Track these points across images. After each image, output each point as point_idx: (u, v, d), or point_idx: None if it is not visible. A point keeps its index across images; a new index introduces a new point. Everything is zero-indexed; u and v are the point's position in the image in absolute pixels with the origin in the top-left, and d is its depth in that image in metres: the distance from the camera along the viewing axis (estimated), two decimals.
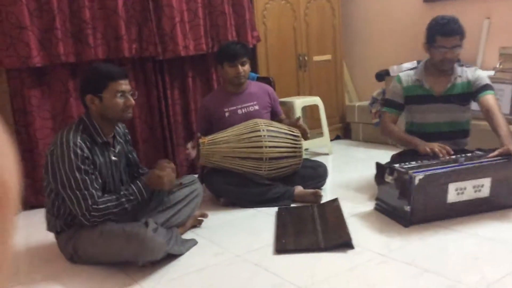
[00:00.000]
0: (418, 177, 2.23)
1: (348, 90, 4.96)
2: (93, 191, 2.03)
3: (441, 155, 2.50)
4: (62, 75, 3.18)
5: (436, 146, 2.56)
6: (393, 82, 2.93)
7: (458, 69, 2.77)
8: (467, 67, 2.82)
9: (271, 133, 2.86)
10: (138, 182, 2.14)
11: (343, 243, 2.15)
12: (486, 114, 2.61)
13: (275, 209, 2.71)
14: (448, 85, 2.76)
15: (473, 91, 2.73)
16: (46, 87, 3.16)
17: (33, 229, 2.70)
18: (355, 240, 2.17)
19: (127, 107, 2.14)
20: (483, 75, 2.76)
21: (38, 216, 2.97)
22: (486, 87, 2.69)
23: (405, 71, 2.96)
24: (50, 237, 2.40)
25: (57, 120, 3.19)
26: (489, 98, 2.65)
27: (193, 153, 2.85)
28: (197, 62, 3.71)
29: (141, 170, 2.47)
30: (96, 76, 2.10)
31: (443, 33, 2.62)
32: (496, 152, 2.42)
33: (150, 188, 2.15)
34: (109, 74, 2.09)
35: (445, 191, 2.31)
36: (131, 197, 2.10)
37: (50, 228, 2.21)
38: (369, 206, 2.66)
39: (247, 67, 3.04)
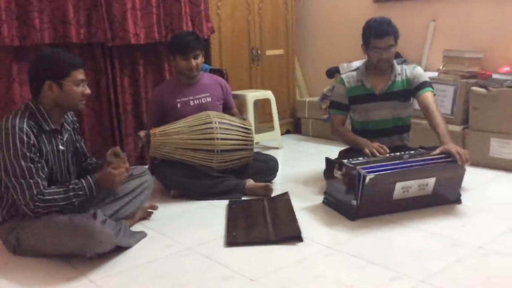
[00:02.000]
0: (369, 176, 2.30)
1: (299, 85, 5.03)
2: (39, 180, 1.96)
3: (377, 154, 2.60)
4: (5, 59, 3.03)
5: (375, 146, 2.65)
6: (337, 85, 3.03)
7: (398, 67, 2.88)
8: (406, 65, 2.94)
9: (223, 125, 2.85)
10: (89, 177, 2.08)
11: (293, 236, 2.19)
12: (425, 111, 2.73)
13: (226, 202, 2.72)
14: (388, 83, 2.86)
15: (411, 88, 2.84)
16: None
17: None
18: (304, 233, 2.21)
19: (83, 96, 2.12)
20: (422, 72, 2.88)
21: None
22: (424, 84, 2.80)
23: (347, 72, 3.05)
24: None
25: None
26: (427, 95, 2.76)
27: (142, 140, 2.79)
28: (149, 50, 3.64)
29: (89, 160, 2.41)
30: (58, 62, 2.04)
31: (376, 35, 2.72)
32: (437, 151, 2.53)
33: (101, 186, 2.10)
34: (72, 62, 2.06)
35: (392, 189, 2.39)
36: (80, 192, 2.04)
37: None
38: (318, 200, 2.72)
39: (200, 60, 3.01)
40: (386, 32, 2.71)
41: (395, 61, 2.90)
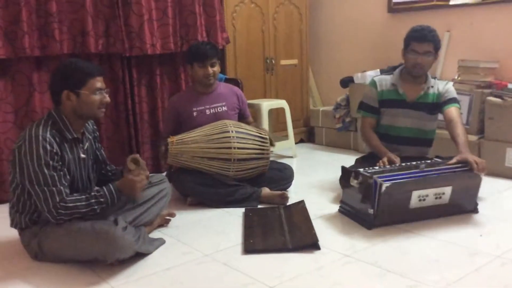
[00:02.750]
0: (385, 184, 2.31)
1: (312, 95, 5.06)
2: (61, 188, 2.00)
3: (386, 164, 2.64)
4: (27, 68, 3.10)
5: (387, 159, 2.70)
6: (368, 87, 3.04)
7: (432, 80, 2.92)
8: (439, 80, 2.97)
9: (239, 135, 2.89)
10: (110, 185, 2.11)
11: (310, 244, 2.21)
12: (449, 123, 2.75)
13: (242, 210, 2.74)
14: (421, 92, 2.88)
15: (440, 102, 2.86)
16: (9, 80, 3.06)
17: None
18: (321, 241, 2.22)
19: (102, 104, 2.14)
20: (453, 89, 2.91)
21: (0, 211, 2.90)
22: (453, 100, 2.85)
23: (379, 75, 3.08)
24: (11, 234, 2.34)
25: (19, 115, 3.11)
26: (453, 110, 2.80)
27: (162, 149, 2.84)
28: (165, 61, 3.70)
29: (109, 168, 2.45)
30: (75, 72, 2.07)
31: (416, 38, 2.77)
32: (454, 160, 2.54)
33: (122, 193, 2.13)
34: (88, 71, 2.08)
35: (408, 198, 2.40)
36: (101, 199, 2.06)
37: (14, 224, 2.15)
38: (333, 208, 2.73)
39: (216, 68, 3.06)
40: (426, 37, 2.76)
41: (429, 74, 2.92)
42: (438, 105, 2.89)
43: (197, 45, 3.10)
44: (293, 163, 3.93)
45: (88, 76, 2.08)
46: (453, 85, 3.58)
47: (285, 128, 4.23)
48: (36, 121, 2.09)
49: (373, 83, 2.99)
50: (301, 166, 3.89)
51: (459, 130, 2.66)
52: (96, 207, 2.05)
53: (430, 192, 2.42)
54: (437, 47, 2.80)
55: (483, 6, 3.79)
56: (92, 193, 2.07)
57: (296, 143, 4.42)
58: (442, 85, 2.91)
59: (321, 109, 4.68)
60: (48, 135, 2.01)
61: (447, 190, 2.45)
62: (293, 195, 3.00)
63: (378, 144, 2.90)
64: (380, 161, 2.70)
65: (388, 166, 2.62)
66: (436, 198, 2.45)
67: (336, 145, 4.50)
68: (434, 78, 2.96)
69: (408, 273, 1.93)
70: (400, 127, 2.93)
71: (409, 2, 4.21)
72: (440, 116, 2.94)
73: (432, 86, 2.90)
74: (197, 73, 3.03)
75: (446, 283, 1.84)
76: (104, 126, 3.44)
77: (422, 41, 2.76)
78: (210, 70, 3.00)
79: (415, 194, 2.40)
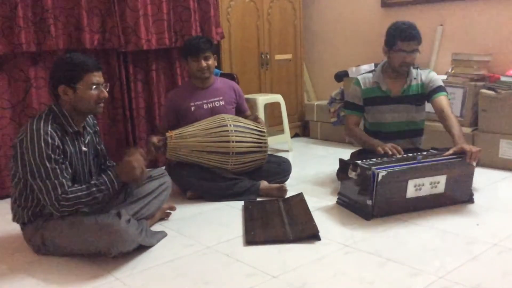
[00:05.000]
0: (381, 173, 2.35)
1: (307, 89, 5.08)
2: (63, 181, 2.00)
3: (390, 153, 2.64)
4: (23, 64, 3.09)
5: (389, 146, 2.70)
6: (352, 85, 3.06)
7: (413, 72, 2.92)
8: (421, 70, 2.98)
9: (237, 128, 2.91)
10: (109, 172, 2.11)
11: (311, 235, 2.24)
12: (440, 115, 2.77)
13: (241, 203, 2.76)
14: (404, 86, 2.91)
15: (426, 93, 2.89)
16: (6, 76, 3.06)
17: None
18: (321, 232, 2.25)
19: (100, 99, 2.12)
20: (437, 77, 2.92)
21: None
22: (439, 89, 2.85)
23: (363, 74, 3.09)
24: (12, 229, 2.35)
25: (16, 110, 3.10)
26: (442, 99, 2.81)
27: (155, 145, 2.84)
28: (161, 56, 3.70)
29: (108, 163, 2.45)
30: (71, 66, 2.05)
31: (404, 37, 2.76)
32: (450, 151, 2.58)
33: (121, 179, 2.12)
34: (84, 66, 2.06)
35: (404, 187, 2.44)
36: (102, 187, 2.06)
37: (16, 219, 2.15)
38: (331, 200, 2.77)
39: (211, 61, 3.07)
40: (414, 36, 2.75)
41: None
42: (423, 95, 2.91)
43: (190, 40, 3.13)
44: (289, 157, 3.92)
45: (84, 71, 2.06)
46: (447, 78, 3.66)
47: (280, 123, 4.26)
48: (37, 115, 2.09)
49: (357, 82, 3.00)
50: (297, 159, 3.92)
51: (452, 121, 2.68)
52: (97, 195, 2.04)
53: (426, 181, 2.46)
54: (420, 42, 2.79)
55: (475, 0, 3.83)
56: (92, 182, 2.07)
57: (291, 137, 4.44)
58: (425, 75, 2.92)
59: (315, 103, 4.71)
60: (49, 128, 2.01)
61: (442, 179, 2.49)
62: (291, 188, 3.03)
63: (367, 137, 2.90)
64: (380, 148, 2.68)
65: (392, 155, 2.62)
66: (432, 187, 2.49)
67: (331, 139, 4.54)
68: (416, 68, 2.96)
69: (408, 261, 1.97)
70: (390, 122, 2.96)
71: None
72: (429, 108, 2.95)
73: (415, 78, 2.91)
74: (192, 67, 3.05)
75: (446, 271, 1.88)
76: (101, 122, 3.44)
77: (410, 40, 2.75)
78: (204, 63, 3.02)
79: (411, 184, 2.44)
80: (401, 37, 2.76)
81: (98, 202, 2.08)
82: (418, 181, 2.45)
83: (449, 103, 2.83)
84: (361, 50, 4.62)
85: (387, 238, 2.23)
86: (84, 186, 2.05)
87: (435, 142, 3.15)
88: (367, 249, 2.11)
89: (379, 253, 2.06)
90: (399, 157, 2.63)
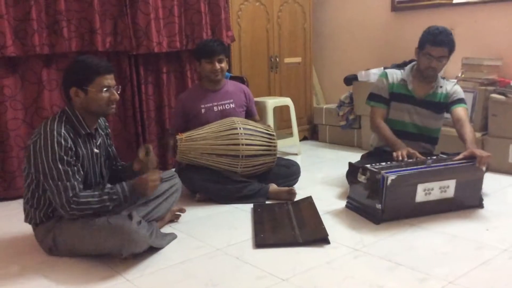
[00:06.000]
0: (391, 177, 2.35)
1: (315, 92, 5.09)
2: (75, 183, 2.02)
3: (402, 159, 2.61)
4: (36, 66, 3.13)
5: (405, 152, 2.66)
6: (379, 78, 3.06)
7: (441, 80, 2.95)
8: (447, 81, 3.00)
9: (247, 131, 2.92)
10: (124, 183, 2.12)
11: (320, 238, 2.24)
12: (457, 122, 2.79)
13: (250, 205, 2.78)
14: (429, 91, 2.92)
15: (448, 102, 2.90)
16: (19, 77, 3.10)
17: (4, 222, 2.66)
18: (330, 236, 2.26)
19: (111, 101, 2.14)
20: (460, 90, 2.95)
21: (9, 208, 2.93)
22: (460, 101, 2.89)
23: (390, 69, 3.09)
24: (24, 229, 2.37)
25: (29, 112, 3.14)
26: (461, 109, 2.84)
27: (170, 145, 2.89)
28: (172, 59, 3.73)
29: (119, 164, 2.47)
30: (83, 69, 2.07)
31: (433, 42, 2.77)
32: (460, 155, 2.58)
33: (135, 191, 2.13)
34: (96, 68, 2.07)
35: (414, 191, 2.44)
36: (114, 197, 2.07)
37: (28, 220, 2.18)
38: (340, 204, 2.77)
39: (224, 64, 3.09)
40: (442, 42, 2.75)
41: (439, 74, 2.95)
42: (445, 104, 2.93)
43: (205, 42, 3.15)
44: (297, 160, 3.95)
45: (95, 74, 2.08)
46: (457, 83, 3.65)
47: (289, 126, 4.27)
48: (50, 117, 2.11)
49: (385, 75, 3.01)
50: (306, 163, 3.93)
51: (467, 129, 2.70)
52: (108, 204, 2.06)
53: (435, 185, 2.46)
54: (451, 50, 2.80)
55: (486, 4, 3.83)
56: (105, 190, 2.09)
57: (299, 140, 4.45)
58: (450, 86, 2.95)
59: (324, 106, 4.71)
60: (62, 130, 2.03)
61: (451, 184, 2.49)
62: (300, 191, 3.03)
63: (391, 134, 2.87)
64: (396, 154, 2.65)
65: (406, 159, 2.59)
66: (441, 192, 2.48)
67: (339, 142, 4.54)
68: (443, 78, 2.99)
69: (418, 266, 1.97)
70: (406, 122, 2.96)
71: (412, 1, 4.25)
72: (447, 115, 2.97)
73: (441, 86, 2.93)
74: (205, 69, 3.07)
75: (455, 276, 1.88)
76: (111, 123, 3.47)
77: (438, 46, 2.75)
78: (218, 66, 3.04)
79: (420, 188, 2.44)
80: (431, 42, 2.77)
81: (108, 210, 2.09)
82: (427, 185, 2.45)
83: (468, 114, 2.85)
84: (371, 54, 4.62)
85: (396, 242, 2.23)
86: (96, 192, 2.06)
87: (448, 147, 3.14)
88: (376, 253, 2.11)
89: (388, 257, 2.06)
90: (409, 161, 2.63)
